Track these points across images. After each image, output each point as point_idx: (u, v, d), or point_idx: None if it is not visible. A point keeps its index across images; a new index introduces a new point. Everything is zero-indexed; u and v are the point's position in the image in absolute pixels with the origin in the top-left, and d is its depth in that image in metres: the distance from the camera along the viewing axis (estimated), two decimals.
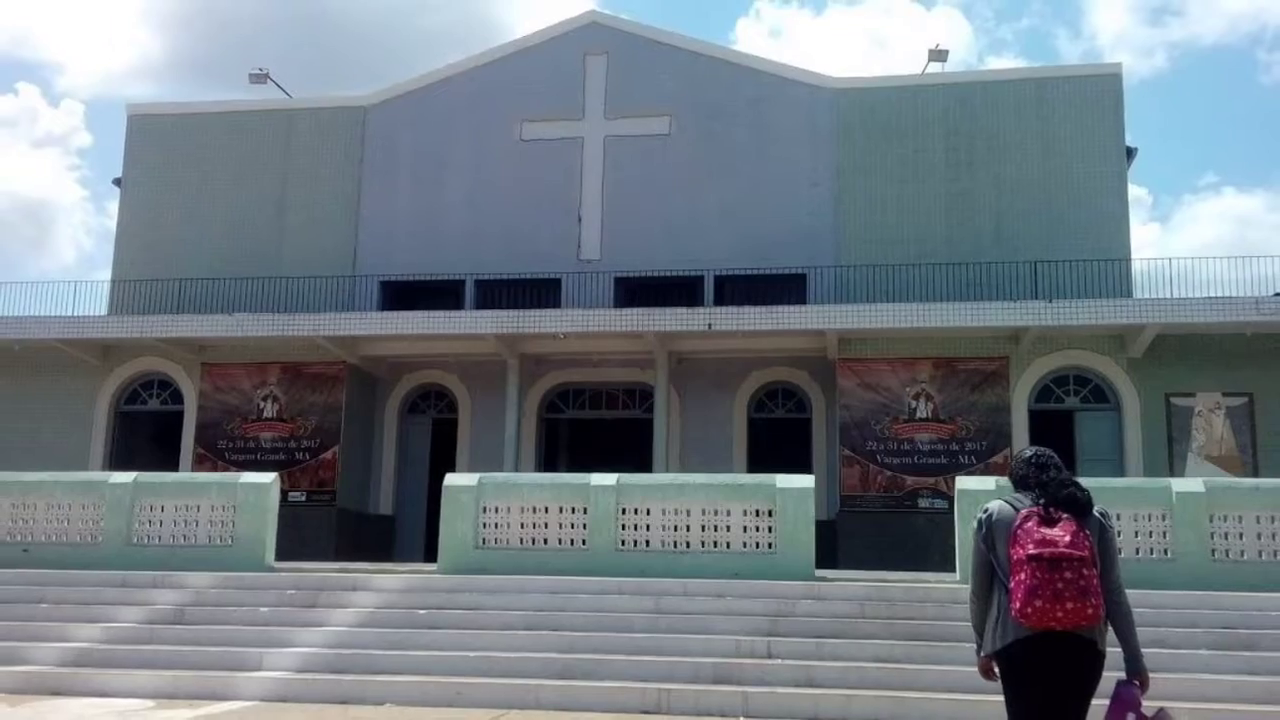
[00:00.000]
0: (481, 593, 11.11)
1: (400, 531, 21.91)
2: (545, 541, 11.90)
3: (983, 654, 4.29)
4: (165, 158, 24.02)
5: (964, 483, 11.87)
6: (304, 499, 20.48)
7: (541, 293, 22.11)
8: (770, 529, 11.62)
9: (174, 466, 20.82)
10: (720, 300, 21.38)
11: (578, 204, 22.66)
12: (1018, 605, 3.96)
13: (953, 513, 12.06)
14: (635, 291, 21.76)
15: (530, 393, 21.69)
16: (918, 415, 19.55)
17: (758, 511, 11.69)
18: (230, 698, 9.21)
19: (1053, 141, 21.53)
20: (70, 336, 21.21)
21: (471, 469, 19.15)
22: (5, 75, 74.36)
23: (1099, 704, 4.07)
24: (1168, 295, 19.19)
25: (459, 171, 23.16)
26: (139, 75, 69.07)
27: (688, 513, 11.77)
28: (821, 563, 12.35)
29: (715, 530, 11.71)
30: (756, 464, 20.29)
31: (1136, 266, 20.91)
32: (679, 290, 21.56)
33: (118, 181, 24.53)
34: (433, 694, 9.09)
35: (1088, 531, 4.05)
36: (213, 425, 21.44)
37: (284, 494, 14.81)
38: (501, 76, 23.34)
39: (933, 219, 21.51)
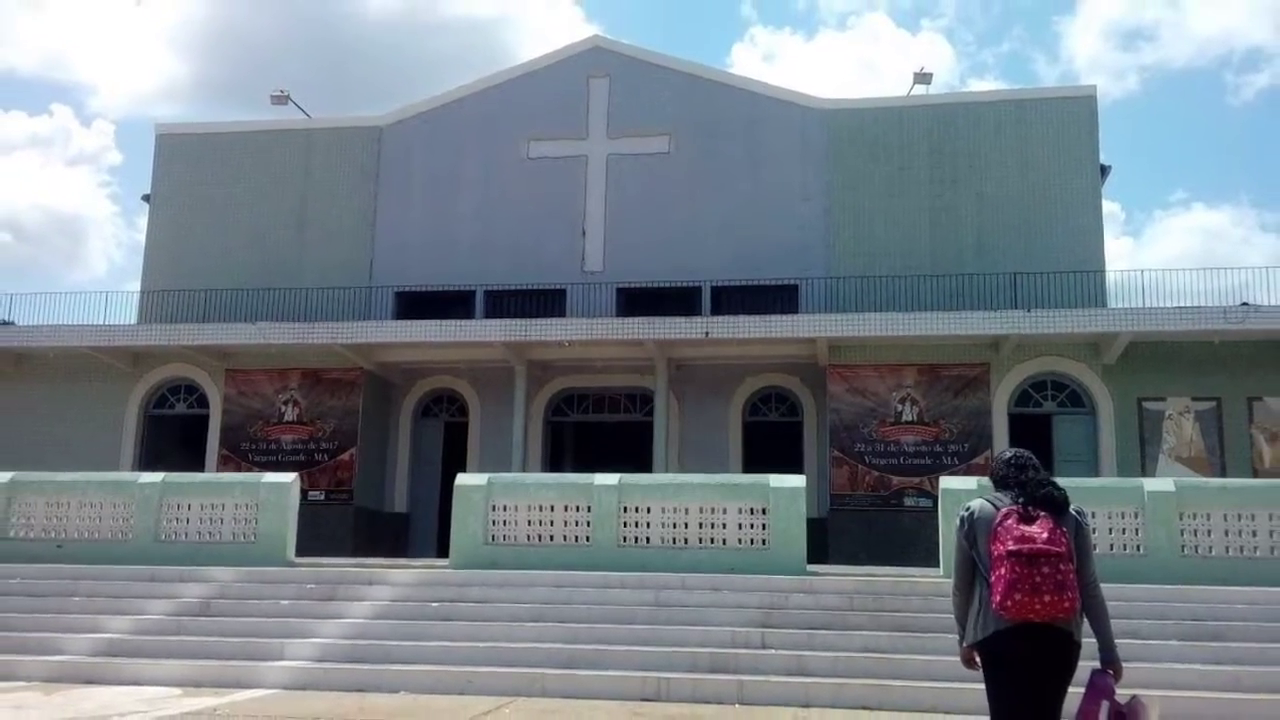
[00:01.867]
0: (490, 587, 11.09)
1: (414, 529, 21.91)
2: (551, 538, 11.89)
3: (965, 644, 4.30)
4: (192, 175, 24.08)
5: (947, 482, 11.86)
6: (323, 498, 20.49)
7: (547, 302, 22.13)
8: (764, 526, 11.61)
9: (200, 467, 20.84)
10: (717, 309, 21.41)
11: (582, 218, 22.69)
12: (998, 598, 3.97)
13: (937, 511, 12.06)
14: (636, 301, 21.79)
15: (536, 397, 21.71)
16: (903, 419, 19.56)
17: (752, 510, 11.67)
18: (253, 686, 9.22)
19: (1031, 159, 21.56)
20: (102, 344, 21.24)
21: (481, 469, 19.15)
22: (40, 97, 74.54)
23: (1075, 692, 4.08)
24: (1140, 305, 19.26)
25: (469, 187, 23.20)
26: (167, 97, 69.19)
27: (686, 511, 11.76)
28: (812, 558, 12.34)
29: (712, 528, 11.69)
30: (751, 465, 20.32)
31: (1110, 278, 20.97)
32: (677, 300, 21.61)
33: (147, 198, 24.56)
34: (445, 682, 9.08)
35: (1064, 529, 4.06)
36: (236, 428, 21.46)
37: (304, 493, 14.84)
38: (509, 98, 23.39)
39: (918, 232, 21.53)
